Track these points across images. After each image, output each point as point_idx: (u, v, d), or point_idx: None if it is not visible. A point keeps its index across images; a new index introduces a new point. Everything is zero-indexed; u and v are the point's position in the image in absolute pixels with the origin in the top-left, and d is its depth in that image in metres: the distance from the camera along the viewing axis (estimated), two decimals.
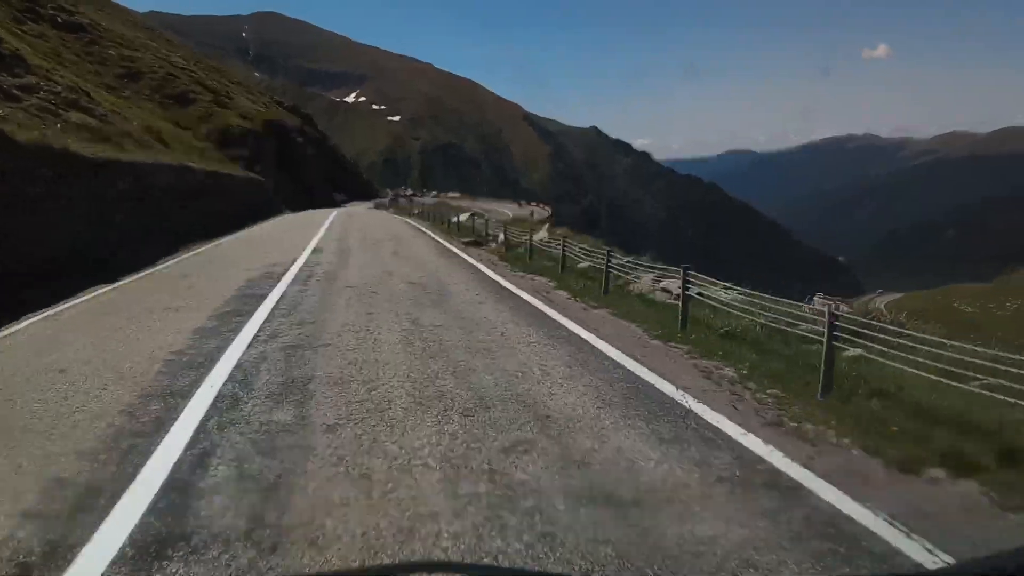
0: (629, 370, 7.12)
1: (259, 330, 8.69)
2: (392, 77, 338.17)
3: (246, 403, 5.77)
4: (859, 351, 6.71)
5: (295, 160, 69.64)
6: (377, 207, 66.52)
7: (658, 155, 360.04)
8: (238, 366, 6.96)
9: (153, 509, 3.84)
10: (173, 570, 3.23)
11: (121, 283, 13.11)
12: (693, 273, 9.51)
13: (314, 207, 66.67)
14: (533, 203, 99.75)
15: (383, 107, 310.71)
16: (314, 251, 19.79)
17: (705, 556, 3.45)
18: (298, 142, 71.01)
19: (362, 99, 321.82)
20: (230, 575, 3.21)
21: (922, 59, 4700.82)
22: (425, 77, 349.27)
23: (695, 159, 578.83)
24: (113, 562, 3.31)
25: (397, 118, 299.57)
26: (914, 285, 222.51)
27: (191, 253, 18.88)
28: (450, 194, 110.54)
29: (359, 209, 60.69)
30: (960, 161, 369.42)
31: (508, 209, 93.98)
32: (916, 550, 3.54)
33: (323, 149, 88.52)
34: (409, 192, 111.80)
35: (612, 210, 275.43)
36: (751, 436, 5.21)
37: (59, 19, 46.74)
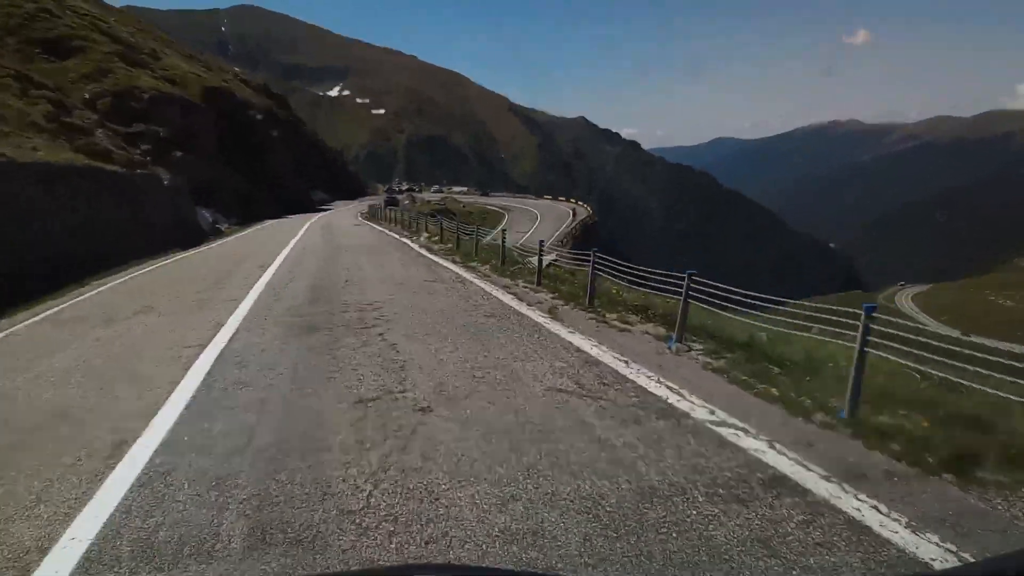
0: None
1: None
2: (375, 70, 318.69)
3: None
4: None
5: (255, 148, 47.11)
6: (370, 214, 42.73)
7: (645, 144, 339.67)
8: None
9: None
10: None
11: None
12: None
13: (281, 213, 44.25)
14: (565, 199, 78.07)
15: (366, 100, 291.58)
16: None
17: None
18: (257, 121, 48.27)
19: (345, 93, 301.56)
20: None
21: (904, 44, 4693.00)
22: (408, 69, 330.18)
23: (681, 147, 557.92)
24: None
25: (381, 111, 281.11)
26: (912, 271, 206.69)
27: None
28: (455, 189, 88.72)
29: (346, 220, 38.04)
30: (946, 145, 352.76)
31: (531, 206, 72.46)
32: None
33: (298, 136, 65.72)
34: (405, 187, 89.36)
35: (603, 199, 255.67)
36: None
37: None
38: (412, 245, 19.65)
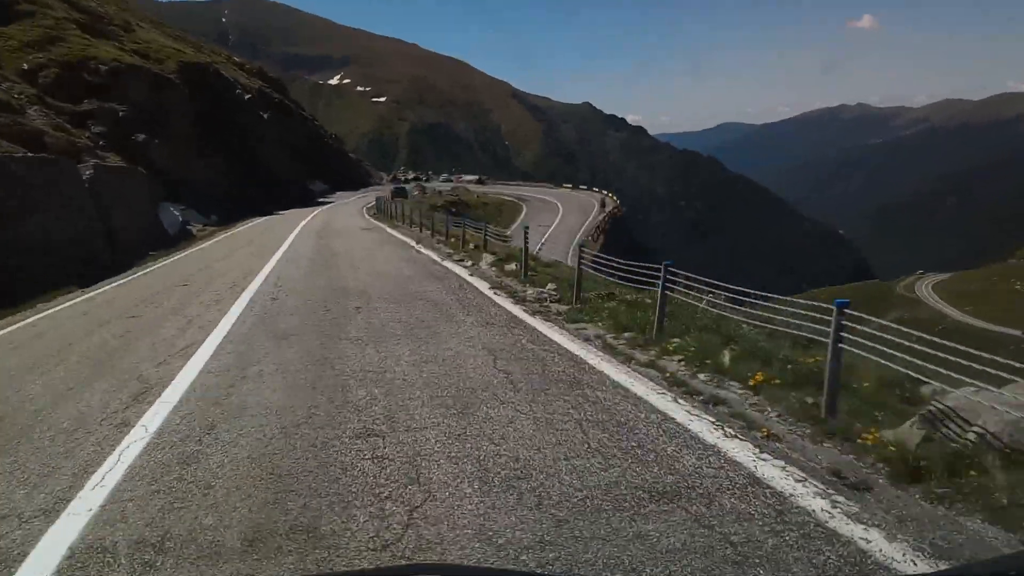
0: None
1: None
2: (376, 58, 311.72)
3: None
4: None
5: (244, 132, 40.71)
6: (379, 209, 35.24)
7: (650, 130, 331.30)
8: None
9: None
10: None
11: None
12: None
13: (274, 208, 37.91)
14: (588, 188, 71.89)
15: (368, 88, 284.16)
16: None
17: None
18: (245, 102, 41.71)
19: (346, 81, 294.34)
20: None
21: (912, 26, 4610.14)
22: (410, 57, 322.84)
23: (687, 133, 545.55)
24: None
25: (383, 99, 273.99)
26: (922, 258, 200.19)
27: None
28: (464, 178, 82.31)
29: (350, 219, 31.14)
30: (954, 128, 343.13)
31: (549, 196, 66.30)
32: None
33: (294, 121, 59.12)
34: (411, 176, 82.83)
35: (608, 187, 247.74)
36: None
37: None
38: (476, 283, 11.31)
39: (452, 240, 18.15)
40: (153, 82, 29.97)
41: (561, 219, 51.78)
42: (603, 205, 54.73)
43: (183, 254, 19.87)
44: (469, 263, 13.86)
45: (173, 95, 31.15)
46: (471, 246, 16.14)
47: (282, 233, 23.75)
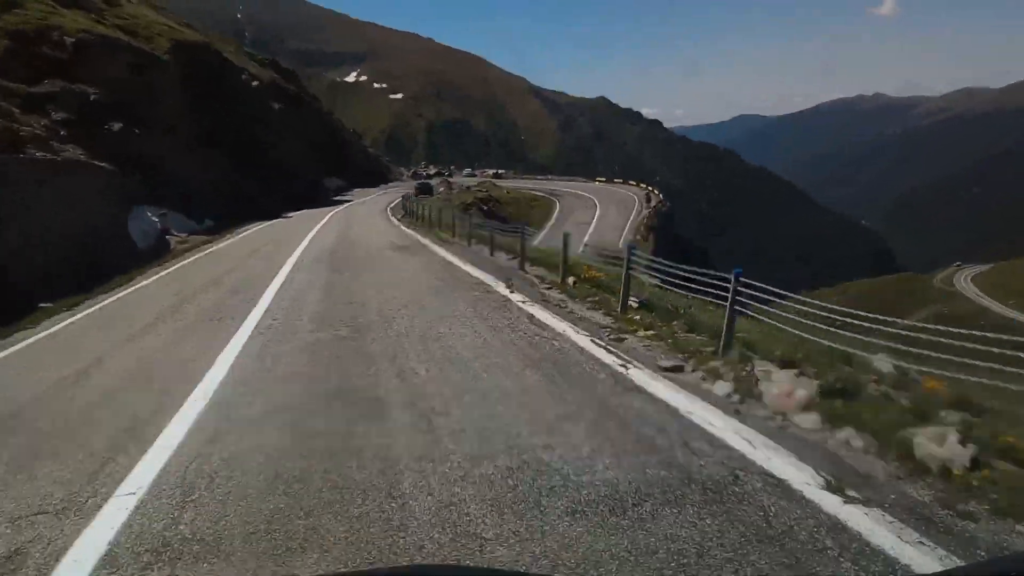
0: None
1: None
2: (393, 54, 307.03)
3: None
4: None
5: (250, 125, 35.13)
6: (407, 212, 29.15)
7: (666, 123, 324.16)
8: None
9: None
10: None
11: None
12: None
13: (283, 209, 32.39)
14: (624, 181, 65.93)
15: (384, 85, 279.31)
16: None
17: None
18: (251, 88, 36.13)
19: (363, 78, 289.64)
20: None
21: (930, 13, 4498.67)
22: (427, 52, 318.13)
23: (703, 125, 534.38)
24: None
25: (399, 96, 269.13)
26: (943, 247, 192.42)
27: None
28: (487, 171, 76.89)
29: (374, 225, 25.47)
30: (975, 117, 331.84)
31: (585, 192, 60.63)
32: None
33: (310, 114, 53.50)
34: (433, 171, 77.49)
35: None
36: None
37: None
38: None
39: (575, 282, 10.05)
40: (134, 60, 24.41)
41: (600, 217, 46.40)
42: (648, 201, 48.76)
43: (99, 306, 12.12)
44: (728, 390, 5.12)
45: (160, 77, 25.61)
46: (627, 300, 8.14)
47: (282, 251, 17.28)
